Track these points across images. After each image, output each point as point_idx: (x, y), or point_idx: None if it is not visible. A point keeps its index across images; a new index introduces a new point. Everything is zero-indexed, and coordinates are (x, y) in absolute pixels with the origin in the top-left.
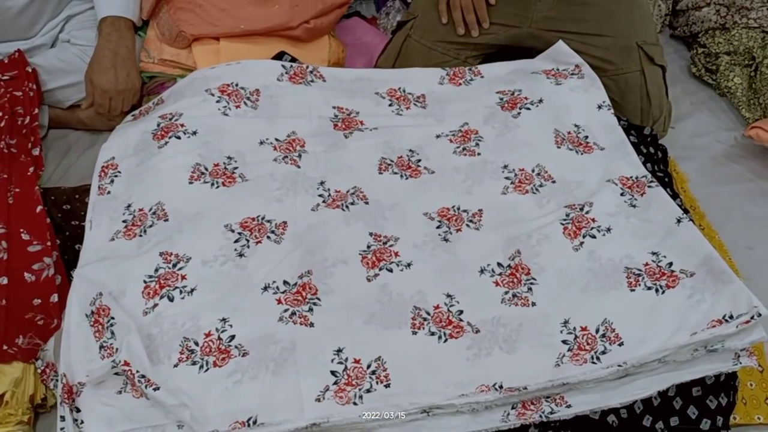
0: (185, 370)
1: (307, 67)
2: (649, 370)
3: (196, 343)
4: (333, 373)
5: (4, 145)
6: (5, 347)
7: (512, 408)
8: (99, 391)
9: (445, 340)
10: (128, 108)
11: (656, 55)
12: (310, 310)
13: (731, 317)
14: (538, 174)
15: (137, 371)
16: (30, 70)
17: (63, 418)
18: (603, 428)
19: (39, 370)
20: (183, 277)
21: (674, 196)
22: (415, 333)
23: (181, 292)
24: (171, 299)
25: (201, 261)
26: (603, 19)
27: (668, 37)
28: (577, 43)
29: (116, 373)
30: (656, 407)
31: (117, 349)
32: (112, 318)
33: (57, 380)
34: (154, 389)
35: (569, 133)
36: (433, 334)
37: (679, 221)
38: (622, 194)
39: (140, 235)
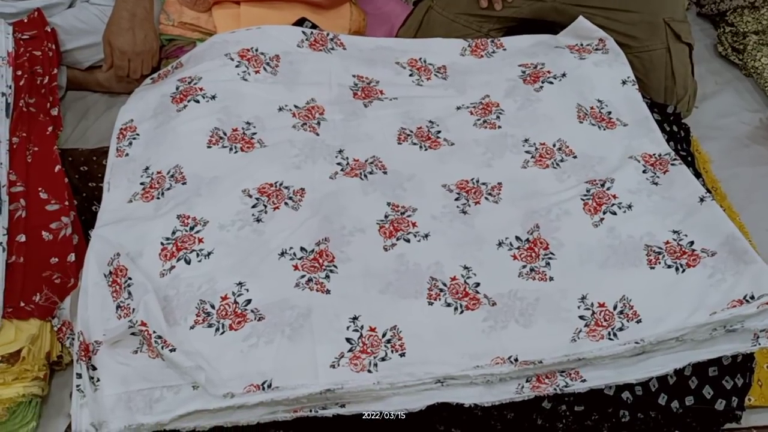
0: (201, 332)
1: (328, 35)
2: (667, 348)
3: (213, 306)
4: (348, 340)
5: (23, 104)
6: (22, 304)
7: (527, 381)
8: (115, 350)
9: (461, 312)
10: (148, 71)
11: (683, 32)
12: (327, 277)
13: (752, 297)
14: (559, 149)
15: (154, 332)
16: (49, 30)
17: (79, 376)
18: (617, 404)
19: (55, 328)
20: (200, 241)
21: (696, 175)
22: (431, 303)
23: (198, 255)
24: (188, 262)
25: (218, 225)
26: None
27: (695, 15)
28: (602, 18)
29: (133, 333)
30: (672, 386)
31: (134, 309)
32: (130, 278)
33: (73, 338)
34: (171, 350)
35: (592, 108)
36: (449, 305)
37: (701, 200)
38: (644, 171)
39: (158, 198)
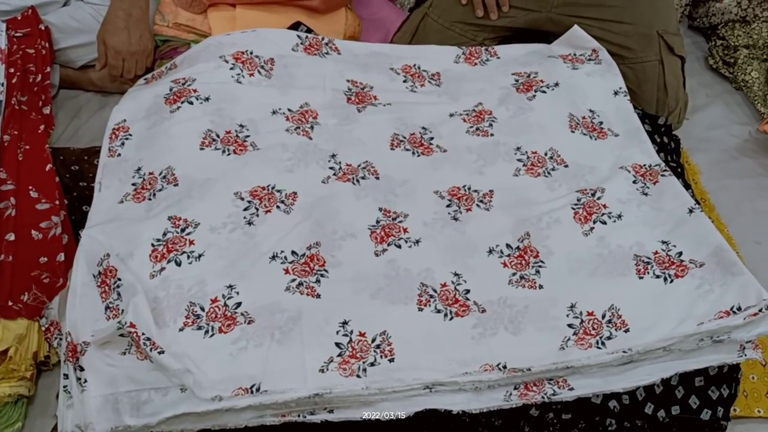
0: (190, 334)
1: (323, 39)
2: (654, 358)
3: (202, 309)
4: (338, 344)
5: (15, 102)
6: (10, 303)
7: (515, 388)
8: (103, 351)
9: (451, 318)
10: (142, 71)
11: (676, 45)
12: (317, 281)
13: (739, 309)
14: (551, 157)
15: (142, 333)
16: (43, 28)
17: (66, 376)
18: (604, 413)
19: (43, 328)
20: (191, 242)
21: (686, 187)
22: (421, 309)
23: (188, 257)
24: (178, 264)
25: (209, 227)
26: (624, 6)
27: (686, 27)
28: (597, 29)
29: (121, 335)
30: (658, 395)
31: (123, 310)
32: (119, 279)
33: (60, 338)
34: (159, 352)
35: (584, 118)
36: (439, 311)
37: (691, 211)
38: (634, 182)
39: (149, 199)
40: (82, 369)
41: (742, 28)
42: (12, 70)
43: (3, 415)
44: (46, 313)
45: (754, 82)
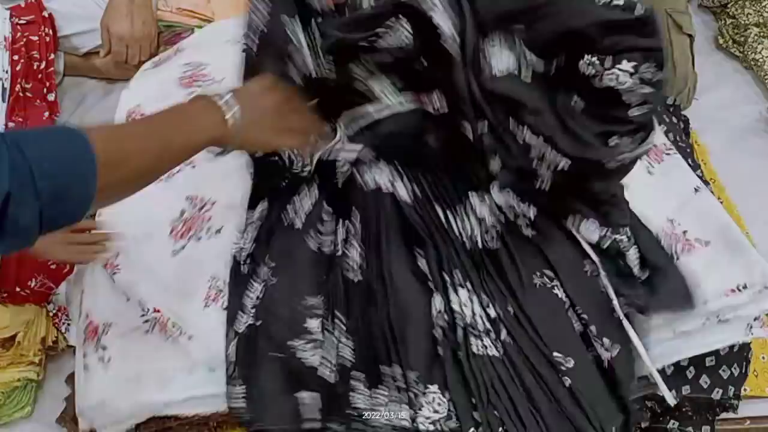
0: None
1: None
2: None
3: None
4: None
5: (20, 89)
6: (18, 289)
7: None
8: (125, 329)
9: None
10: (146, 57)
11: (684, 23)
12: None
13: (745, 287)
14: None
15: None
16: (46, 15)
17: (85, 355)
18: None
19: (51, 314)
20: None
21: (695, 167)
22: None
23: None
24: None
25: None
26: None
27: (696, 6)
28: None
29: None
30: (669, 375)
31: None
32: None
33: (69, 324)
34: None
35: None
36: None
37: (696, 190)
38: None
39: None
40: (104, 348)
41: (752, 6)
42: (16, 57)
43: (12, 400)
44: (54, 299)
45: (764, 61)
